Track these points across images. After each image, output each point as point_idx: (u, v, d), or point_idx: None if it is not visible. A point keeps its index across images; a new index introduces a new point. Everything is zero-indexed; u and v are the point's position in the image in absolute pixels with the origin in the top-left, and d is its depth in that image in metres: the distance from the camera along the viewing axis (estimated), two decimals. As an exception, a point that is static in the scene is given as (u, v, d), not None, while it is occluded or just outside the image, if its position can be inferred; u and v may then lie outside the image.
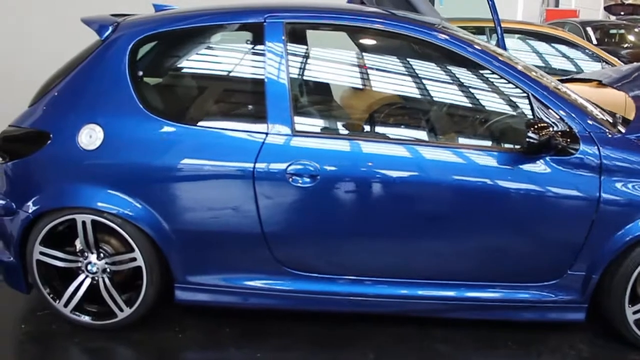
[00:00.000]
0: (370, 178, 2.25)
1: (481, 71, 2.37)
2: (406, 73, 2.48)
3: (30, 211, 2.37)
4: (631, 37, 8.70)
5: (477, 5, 4.63)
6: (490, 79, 2.39)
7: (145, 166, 2.30)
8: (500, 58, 2.35)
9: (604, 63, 5.21)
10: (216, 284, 2.44)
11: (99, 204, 2.33)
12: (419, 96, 2.53)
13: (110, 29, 2.42)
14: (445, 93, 2.54)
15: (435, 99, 2.53)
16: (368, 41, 2.64)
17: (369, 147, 2.29)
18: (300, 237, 2.35)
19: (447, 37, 2.33)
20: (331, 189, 2.25)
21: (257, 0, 2.62)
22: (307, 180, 2.23)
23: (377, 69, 2.58)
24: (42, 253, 2.43)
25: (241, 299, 2.48)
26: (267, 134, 2.26)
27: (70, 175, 2.34)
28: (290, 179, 2.24)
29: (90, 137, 2.30)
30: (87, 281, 2.46)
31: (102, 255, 2.43)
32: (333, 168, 2.24)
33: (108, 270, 2.44)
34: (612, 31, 8.79)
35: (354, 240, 2.35)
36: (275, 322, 2.58)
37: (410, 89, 2.54)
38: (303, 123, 2.33)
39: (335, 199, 2.28)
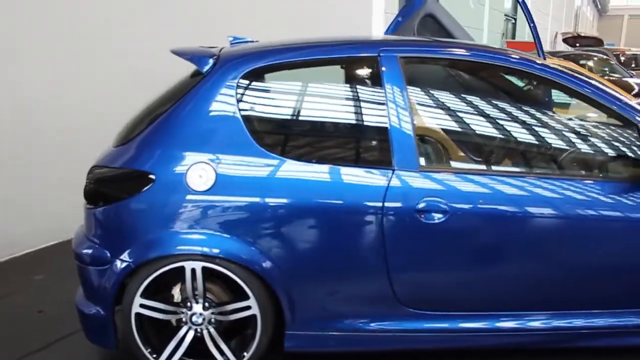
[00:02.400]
0: (499, 212, 2.19)
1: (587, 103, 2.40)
2: (521, 106, 2.47)
3: (131, 260, 2.16)
4: (604, 68, 9.20)
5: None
6: (596, 111, 2.42)
7: (261, 207, 2.14)
8: (609, 92, 2.38)
9: None
10: (331, 329, 2.29)
11: (212, 249, 2.14)
12: (538, 129, 2.51)
13: (211, 61, 2.27)
14: (559, 126, 2.55)
15: (552, 132, 2.53)
16: (481, 75, 2.62)
17: (494, 181, 2.23)
18: (426, 274, 2.26)
19: (559, 73, 2.34)
20: (460, 225, 2.18)
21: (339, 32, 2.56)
22: (437, 217, 2.15)
23: (491, 103, 2.55)
24: (142, 305, 2.21)
25: (356, 344, 2.33)
26: (393, 170, 2.16)
27: (179, 219, 2.14)
28: (421, 217, 2.15)
29: (201, 177, 2.13)
30: (191, 334, 2.25)
31: (207, 304, 2.24)
32: (461, 204, 2.17)
33: (213, 320, 2.25)
34: (582, 62, 9.28)
35: (478, 275, 2.28)
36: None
37: (527, 122, 2.52)
38: (428, 158, 2.26)
39: (463, 235, 2.20)
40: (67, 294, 3.06)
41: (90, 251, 2.24)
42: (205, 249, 2.14)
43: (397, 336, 2.31)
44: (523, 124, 2.49)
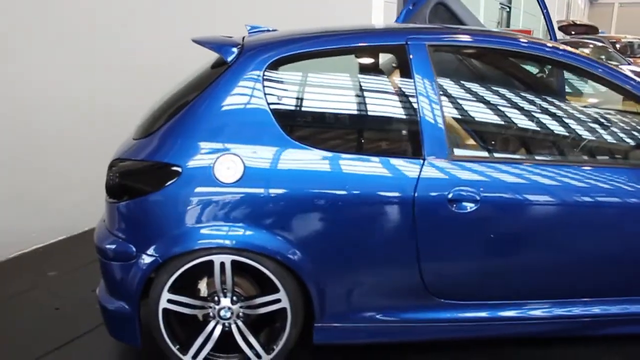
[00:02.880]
0: (529, 200, 2.16)
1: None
2: (548, 94, 2.44)
3: (158, 254, 2.11)
4: (602, 56, 9.20)
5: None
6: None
7: (290, 197, 2.10)
8: (623, 73, 2.37)
9: None
10: (359, 320, 2.26)
11: (242, 242, 2.10)
12: (564, 118, 2.49)
13: (236, 50, 2.22)
14: (583, 115, 2.53)
15: (577, 120, 2.50)
16: (507, 62, 2.58)
17: (525, 168, 2.20)
18: (457, 264, 2.23)
19: (590, 61, 2.32)
20: (491, 214, 2.15)
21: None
22: (469, 206, 2.12)
23: (518, 91, 2.52)
24: (170, 301, 2.16)
25: (384, 335, 2.32)
26: (424, 160, 2.13)
27: (207, 212, 2.10)
28: (452, 206, 2.12)
29: (229, 168, 2.08)
30: (218, 328, 2.21)
31: (234, 298, 2.20)
32: (492, 192, 2.14)
33: (241, 314, 2.21)
34: (580, 49, 9.27)
35: (507, 263, 2.26)
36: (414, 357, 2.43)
37: (556, 109, 2.49)
38: (457, 147, 2.22)
39: (494, 223, 2.18)
40: (82, 291, 3.04)
41: (114, 246, 2.19)
42: (235, 242, 2.10)
43: (426, 326, 2.30)
44: (549, 112, 2.46)
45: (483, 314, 2.29)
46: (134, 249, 2.15)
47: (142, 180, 2.14)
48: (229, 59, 2.20)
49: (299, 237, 2.12)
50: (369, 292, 2.24)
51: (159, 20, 4.36)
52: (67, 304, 2.95)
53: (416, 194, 2.11)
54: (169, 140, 2.14)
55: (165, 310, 2.18)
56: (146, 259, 2.13)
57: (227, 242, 2.10)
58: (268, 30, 2.72)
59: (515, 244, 2.23)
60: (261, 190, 2.09)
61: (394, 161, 2.15)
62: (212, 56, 2.38)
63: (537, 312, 2.30)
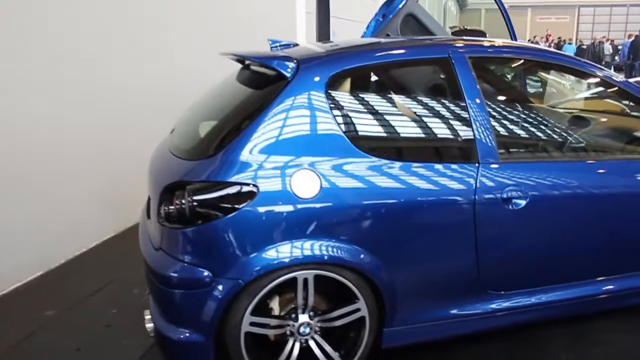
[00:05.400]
0: (571, 193, 2.41)
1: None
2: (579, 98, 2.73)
3: (240, 277, 2.06)
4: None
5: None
6: None
7: (364, 208, 2.16)
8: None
9: None
10: (423, 321, 2.37)
11: (324, 256, 2.12)
12: (602, 116, 2.79)
13: (293, 66, 2.23)
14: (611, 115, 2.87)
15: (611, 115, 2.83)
16: (543, 71, 2.83)
17: (564, 167, 2.46)
18: (509, 256, 2.41)
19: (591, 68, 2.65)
20: (538, 209, 2.36)
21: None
22: (519, 203, 2.31)
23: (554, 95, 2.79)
24: (252, 324, 2.12)
25: (444, 331, 2.44)
26: (479, 164, 2.29)
27: (288, 229, 2.09)
28: (506, 205, 2.30)
29: (306, 184, 2.09)
30: (297, 346, 2.21)
31: (312, 313, 2.20)
32: (539, 189, 2.36)
33: (317, 328, 2.22)
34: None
35: (553, 251, 2.48)
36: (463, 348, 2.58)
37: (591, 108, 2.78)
38: (505, 150, 2.41)
39: (541, 217, 2.39)
40: (94, 327, 2.86)
41: (182, 273, 2.10)
42: (317, 257, 2.11)
43: (480, 318, 2.46)
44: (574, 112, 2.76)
45: (528, 301, 2.50)
46: (209, 274, 2.08)
47: (216, 202, 2.07)
48: (289, 74, 2.21)
49: (373, 245, 2.18)
50: (432, 293, 2.36)
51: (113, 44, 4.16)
52: (86, 343, 2.74)
53: (476, 196, 2.27)
54: (239, 159, 2.09)
55: (247, 334, 2.13)
56: (226, 284, 2.07)
57: (310, 257, 2.10)
58: (290, 45, 2.74)
59: (558, 233, 2.46)
60: (338, 203, 2.13)
61: (455, 167, 2.28)
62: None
63: (574, 293, 2.56)
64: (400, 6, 4.12)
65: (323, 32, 9.91)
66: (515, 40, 4.05)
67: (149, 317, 2.34)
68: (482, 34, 14.85)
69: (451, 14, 33.73)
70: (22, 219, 3.34)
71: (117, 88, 4.02)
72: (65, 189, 3.63)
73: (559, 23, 36.22)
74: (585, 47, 21.01)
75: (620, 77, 2.75)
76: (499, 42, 2.66)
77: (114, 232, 4.16)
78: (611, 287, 2.63)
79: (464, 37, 2.82)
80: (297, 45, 2.77)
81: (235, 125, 2.19)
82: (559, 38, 26.37)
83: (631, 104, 2.82)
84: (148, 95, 4.37)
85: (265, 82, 2.34)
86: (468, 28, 15.77)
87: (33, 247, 3.43)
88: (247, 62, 2.72)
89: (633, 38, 16.95)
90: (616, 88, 2.65)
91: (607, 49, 20.51)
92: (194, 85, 4.82)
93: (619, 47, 20.10)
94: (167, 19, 4.75)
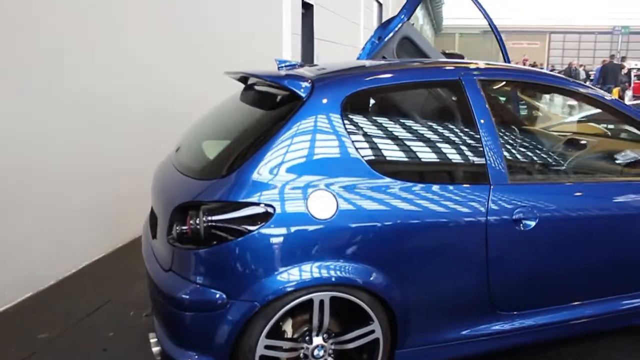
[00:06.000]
0: (578, 215, 2.45)
1: None
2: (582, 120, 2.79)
3: (256, 299, 2.02)
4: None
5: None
6: None
7: (380, 229, 2.15)
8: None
9: None
10: (435, 342, 2.36)
11: (341, 277, 2.10)
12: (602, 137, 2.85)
13: (307, 86, 2.23)
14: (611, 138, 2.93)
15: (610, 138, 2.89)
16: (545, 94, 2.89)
17: (570, 188, 2.50)
18: (519, 277, 2.43)
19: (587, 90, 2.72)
20: (547, 229, 2.39)
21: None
22: (529, 224, 2.34)
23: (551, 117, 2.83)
24: (267, 347, 2.08)
25: (453, 352, 2.43)
26: (490, 185, 2.31)
27: (305, 250, 2.06)
28: (516, 225, 2.32)
29: (322, 204, 2.08)
30: (311, 369, 2.17)
31: (325, 336, 2.17)
32: (547, 210, 2.39)
33: (331, 351, 2.19)
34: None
35: (562, 271, 2.50)
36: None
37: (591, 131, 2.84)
38: (514, 172, 2.44)
39: (551, 237, 2.42)
40: (91, 352, 2.78)
41: (195, 295, 2.06)
42: (334, 278, 2.09)
43: (490, 339, 2.46)
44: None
45: (537, 321, 2.51)
46: (223, 296, 2.03)
47: (233, 223, 2.04)
48: (304, 94, 2.21)
49: (388, 266, 2.17)
50: (443, 314, 2.35)
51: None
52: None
53: (488, 218, 2.28)
54: (255, 179, 2.07)
55: (262, 358, 2.08)
56: (241, 306, 2.03)
57: (327, 278, 2.08)
58: (296, 65, 2.75)
59: (567, 253, 2.49)
60: (354, 224, 2.12)
61: (468, 188, 2.30)
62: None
63: (587, 312, 2.58)
64: (397, 29, 4.18)
65: (307, 53, 10.01)
66: (509, 62, 4.15)
67: (155, 340, 2.27)
68: (460, 57, 15.23)
69: (427, 37, 34.47)
70: (7, 239, 3.23)
71: (103, 103, 3.95)
72: (52, 208, 3.54)
73: (530, 48, 37.32)
74: (557, 72, 21.72)
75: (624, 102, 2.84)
76: (507, 66, 2.73)
77: (104, 251, 4.06)
78: (619, 305, 2.67)
79: (469, 61, 2.87)
80: (303, 65, 2.78)
81: (249, 145, 2.17)
82: (534, 62, 27.24)
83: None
84: (136, 111, 4.32)
85: (277, 101, 2.34)
86: (447, 51, 16.16)
87: (20, 267, 3.32)
88: (250, 81, 2.72)
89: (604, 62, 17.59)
90: (622, 113, 2.72)
91: (582, 73, 21.29)
92: (181, 102, 4.82)
93: (590, 73, 20.84)
94: (157, 38, 4.72)
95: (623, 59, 19.77)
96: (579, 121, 4.10)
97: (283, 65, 2.72)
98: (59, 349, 2.81)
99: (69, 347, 2.83)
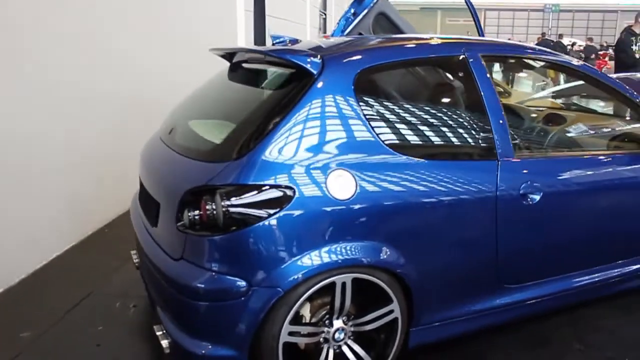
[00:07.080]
0: (582, 187, 2.52)
1: None
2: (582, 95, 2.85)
3: (279, 285, 1.95)
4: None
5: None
6: None
7: (398, 207, 2.12)
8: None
9: None
10: (446, 318, 2.38)
11: (363, 259, 2.06)
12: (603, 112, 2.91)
13: (319, 62, 2.15)
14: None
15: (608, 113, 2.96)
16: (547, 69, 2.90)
17: (574, 161, 2.56)
18: (525, 250, 2.47)
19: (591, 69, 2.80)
20: (552, 202, 2.44)
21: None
22: (535, 198, 2.38)
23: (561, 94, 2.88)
24: (291, 333, 2.02)
25: (463, 327, 2.46)
26: (498, 160, 2.33)
27: (326, 231, 2.00)
28: (523, 200, 2.35)
29: (342, 184, 2.02)
30: (332, 353, 2.13)
31: (345, 318, 2.14)
32: (552, 184, 2.45)
33: (351, 332, 2.16)
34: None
35: (566, 242, 2.57)
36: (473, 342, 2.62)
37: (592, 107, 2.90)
38: (519, 147, 2.46)
39: (556, 211, 2.47)
40: (82, 348, 2.64)
41: (214, 284, 1.96)
42: (356, 260, 2.05)
43: (495, 312, 2.50)
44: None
45: (541, 292, 2.59)
46: (244, 283, 1.95)
47: (253, 206, 1.95)
48: (315, 71, 2.12)
49: (406, 244, 2.16)
50: (455, 290, 2.37)
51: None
52: (77, 365, 2.50)
53: (498, 192, 2.30)
54: (273, 161, 1.98)
55: (285, 345, 2.03)
56: (264, 293, 1.95)
57: (349, 260, 2.04)
58: (293, 40, 2.66)
59: (572, 225, 2.56)
60: (373, 203, 2.07)
61: (478, 164, 2.31)
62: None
63: (582, 281, 2.68)
64: (372, 5, 4.13)
65: (259, 31, 9.78)
66: (483, 36, 4.20)
67: (162, 332, 2.16)
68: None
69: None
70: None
71: (68, 89, 3.70)
72: (17, 199, 3.29)
73: (467, 25, 38.14)
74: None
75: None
76: (507, 43, 2.75)
77: (74, 241, 3.84)
78: (618, 271, 2.79)
79: (479, 39, 2.88)
80: (296, 41, 2.69)
81: (261, 125, 2.06)
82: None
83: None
84: (102, 96, 4.07)
85: (283, 79, 2.24)
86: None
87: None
88: (235, 59, 2.60)
89: (539, 40, 18.24)
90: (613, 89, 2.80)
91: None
92: (139, 83, 4.56)
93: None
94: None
95: (560, 36, 20.51)
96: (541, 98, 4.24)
97: (278, 41, 2.61)
98: (47, 348, 2.63)
99: (57, 345, 2.66)
